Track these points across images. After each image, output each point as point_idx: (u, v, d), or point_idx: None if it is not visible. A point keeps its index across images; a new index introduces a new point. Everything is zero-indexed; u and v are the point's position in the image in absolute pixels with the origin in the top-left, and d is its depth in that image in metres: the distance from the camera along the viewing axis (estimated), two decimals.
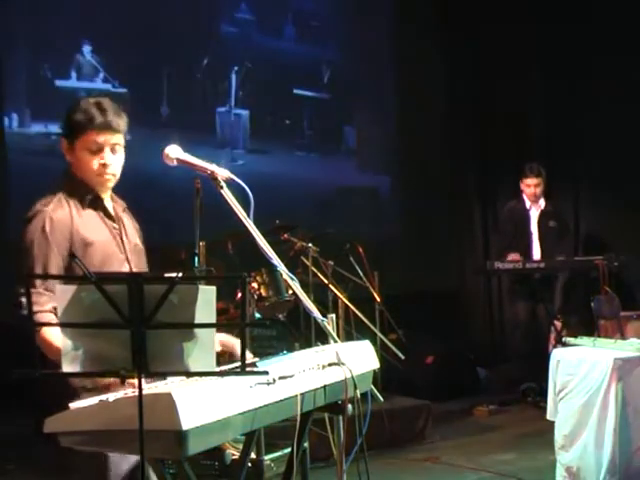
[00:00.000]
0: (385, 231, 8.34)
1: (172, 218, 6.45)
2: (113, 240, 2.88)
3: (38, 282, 2.65)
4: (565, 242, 7.33)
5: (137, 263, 2.95)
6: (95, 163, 2.85)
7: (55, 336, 2.49)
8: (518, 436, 6.06)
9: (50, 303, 2.61)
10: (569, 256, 7.24)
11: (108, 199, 2.96)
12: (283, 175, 7.91)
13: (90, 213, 2.86)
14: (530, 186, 7.19)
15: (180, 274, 2.09)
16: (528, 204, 7.28)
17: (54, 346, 2.49)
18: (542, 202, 7.29)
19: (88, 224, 2.83)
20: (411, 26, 8.69)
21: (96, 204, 2.89)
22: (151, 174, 6.08)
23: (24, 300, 2.59)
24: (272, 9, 8.19)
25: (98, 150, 2.84)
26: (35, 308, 2.46)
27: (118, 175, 2.92)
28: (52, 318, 2.59)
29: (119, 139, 2.88)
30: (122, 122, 2.89)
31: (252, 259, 3.54)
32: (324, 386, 2.62)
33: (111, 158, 2.86)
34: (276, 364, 2.49)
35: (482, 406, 6.82)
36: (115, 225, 2.92)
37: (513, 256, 7.05)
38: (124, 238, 2.92)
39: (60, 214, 2.78)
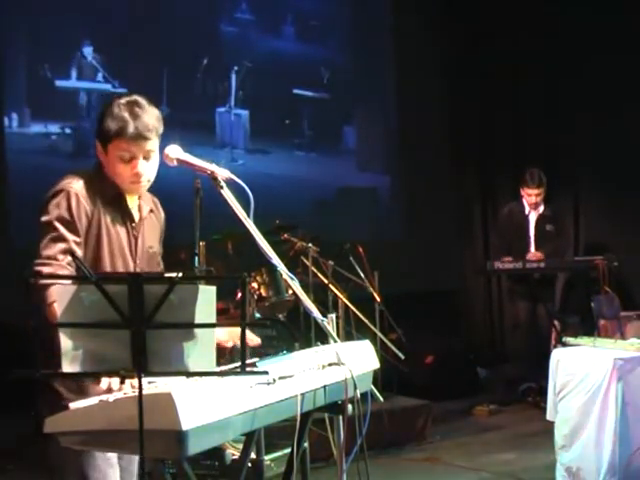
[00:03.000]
0: (385, 231, 8.34)
1: (172, 218, 6.43)
2: (127, 242, 2.84)
3: (61, 255, 2.62)
4: (554, 246, 7.24)
5: (145, 267, 2.90)
6: (127, 172, 2.77)
7: None
8: (518, 436, 6.06)
9: None
10: (564, 258, 7.25)
11: (135, 197, 2.89)
12: (283, 175, 7.91)
13: (112, 209, 2.80)
14: (531, 195, 7.14)
15: (180, 274, 2.09)
16: (527, 209, 7.27)
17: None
18: (541, 206, 7.27)
19: (107, 219, 2.78)
20: (411, 26, 8.70)
21: (119, 201, 2.83)
22: None
23: (44, 270, 2.58)
24: (272, 9, 8.19)
25: (131, 159, 2.76)
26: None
27: (152, 179, 2.85)
28: None
29: (153, 145, 2.80)
30: (156, 125, 2.81)
31: (252, 259, 3.54)
32: (324, 386, 2.62)
33: (144, 166, 2.78)
34: (276, 364, 2.49)
35: (482, 406, 6.83)
36: (133, 225, 2.86)
37: (506, 259, 7.06)
38: (138, 241, 2.87)
39: (86, 196, 2.73)
